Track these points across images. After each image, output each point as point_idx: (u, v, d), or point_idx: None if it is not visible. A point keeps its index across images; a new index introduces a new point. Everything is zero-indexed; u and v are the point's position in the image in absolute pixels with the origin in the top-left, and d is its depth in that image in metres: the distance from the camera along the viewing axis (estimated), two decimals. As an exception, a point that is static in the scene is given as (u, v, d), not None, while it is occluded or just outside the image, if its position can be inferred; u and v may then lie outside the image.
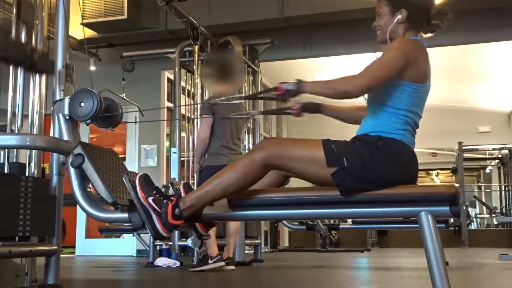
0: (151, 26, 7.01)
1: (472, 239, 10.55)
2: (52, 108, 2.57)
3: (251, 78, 6.33)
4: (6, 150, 2.78)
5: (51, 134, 2.56)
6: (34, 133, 2.89)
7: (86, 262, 6.15)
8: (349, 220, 6.98)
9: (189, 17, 5.61)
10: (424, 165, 14.34)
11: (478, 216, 14.90)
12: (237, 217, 2.33)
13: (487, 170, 15.54)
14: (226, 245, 4.54)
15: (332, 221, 7.74)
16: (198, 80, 5.80)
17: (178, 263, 5.03)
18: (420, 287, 3.20)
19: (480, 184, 16.51)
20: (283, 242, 11.39)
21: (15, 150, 2.82)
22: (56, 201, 2.64)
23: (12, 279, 2.74)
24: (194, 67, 5.79)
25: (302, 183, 2.24)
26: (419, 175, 2.08)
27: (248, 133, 6.05)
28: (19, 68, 2.89)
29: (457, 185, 2.05)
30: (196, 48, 5.75)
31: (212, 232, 4.25)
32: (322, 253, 8.37)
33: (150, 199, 2.05)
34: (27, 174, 2.79)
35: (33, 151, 2.84)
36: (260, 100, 5.84)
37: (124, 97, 6.63)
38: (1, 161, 2.82)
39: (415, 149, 2.08)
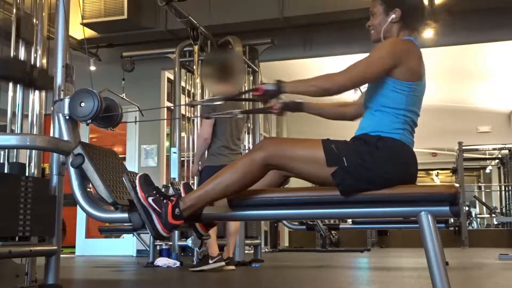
0: (151, 26, 7.01)
1: (472, 239, 10.55)
2: (52, 108, 2.57)
3: (251, 78, 6.33)
4: (6, 150, 2.78)
5: (51, 134, 2.56)
6: (34, 133, 2.89)
7: (86, 262, 6.15)
8: (349, 220, 6.98)
9: (189, 17, 5.61)
10: (424, 165, 14.35)
11: (478, 216, 14.90)
12: (237, 217, 2.33)
13: (487, 170, 15.54)
14: (226, 245, 4.54)
15: (332, 221, 7.74)
16: (198, 80, 5.80)
17: (178, 263, 5.03)
18: (420, 287, 3.20)
19: (480, 184, 16.52)
20: (283, 242, 11.39)
21: (15, 150, 2.82)
22: (56, 201, 2.64)
23: (12, 279, 2.74)
24: (194, 67, 5.79)
25: (302, 183, 2.24)
26: (419, 175, 2.08)
27: (248, 133, 6.06)
28: (18, 85, 2.90)
29: (457, 185, 2.05)
30: (196, 48, 5.75)
31: (213, 232, 4.25)
32: (322, 253, 8.37)
33: (150, 199, 2.05)
34: (27, 174, 2.79)
35: (33, 151, 2.84)
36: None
37: (124, 97, 6.63)
38: (1, 161, 2.82)
39: (415, 149, 2.09)
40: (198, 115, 5.55)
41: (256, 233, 5.77)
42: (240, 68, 5.08)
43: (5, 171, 2.76)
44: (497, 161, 14.04)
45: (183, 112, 6.29)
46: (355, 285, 3.52)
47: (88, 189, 2.32)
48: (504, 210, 13.23)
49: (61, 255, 2.70)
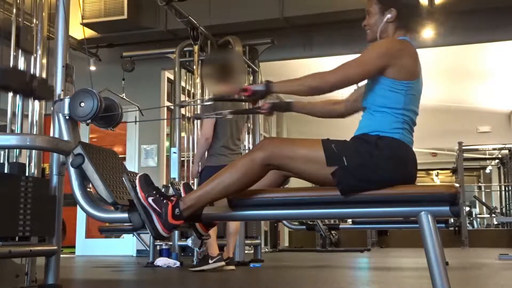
0: (151, 26, 7.01)
1: (472, 239, 10.55)
2: (52, 108, 2.57)
3: (251, 78, 6.33)
4: (6, 150, 2.78)
5: (51, 134, 2.56)
6: (34, 133, 2.89)
7: (86, 262, 6.15)
8: (349, 220, 6.97)
9: (189, 17, 5.61)
10: (424, 165, 14.36)
11: (478, 216, 14.90)
12: (237, 217, 2.34)
13: (487, 170, 15.54)
14: (226, 245, 4.55)
15: (332, 221, 7.73)
16: (198, 80, 5.80)
17: (178, 263, 5.03)
18: (420, 287, 3.20)
19: (480, 184, 16.52)
20: (283, 242, 11.39)
21: (15, 150, 2.82)
22: (56, 201, 2.64)
23: (12, 279, 2.74)
24: (194, 67, 5.79)
25: (302, 183, 2.24)
26: (419, 175, 2.09)
27: (248, 133, 6.05)
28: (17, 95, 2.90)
29: (457, 185, 2.05)
30: (196, 48, 5.75)
31: (213, 232, 4.25)
32: (322, 253, 8.37)
33: (150, 199, 2.05)
34: (27, 174, 2.79)
35: (33, 151, 2.84)
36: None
37: (124, 97, 6.62)
38: (1, 161, 2.82)
39: (415, 149, 2.09)
40: (189, 115, 5.57)
41: (256, 233, 5.77)
42: (241, 68, 5.09)
43: (5, 171, 2.76)
44: (497, 161, 14.03)
45: (183, 112, 6.29)
46: (355, 285, 3.52)
47: (88, 189, 2.32)
48: (504, 210, 13.23)
49: (61, 255, 2.70)
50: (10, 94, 2.90)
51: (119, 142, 8.47)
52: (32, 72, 2.94)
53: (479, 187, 16.32)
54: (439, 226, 1.92)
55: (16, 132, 2.88)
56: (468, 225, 13.08)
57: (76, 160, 2.28)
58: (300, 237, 11.45)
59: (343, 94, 2.23)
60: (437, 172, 15.96)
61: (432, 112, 10.12)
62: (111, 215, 2.26)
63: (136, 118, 6.50)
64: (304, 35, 7.06)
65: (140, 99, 6.65)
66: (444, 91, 10.37)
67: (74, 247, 7.82)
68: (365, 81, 2.12)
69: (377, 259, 6.80)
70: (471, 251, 8.89)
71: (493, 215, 12.45)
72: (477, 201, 14.05)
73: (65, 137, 2.44)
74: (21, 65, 2.96)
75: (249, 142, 6.04)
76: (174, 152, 5.49)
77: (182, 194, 2.09)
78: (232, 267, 4.41)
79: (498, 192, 14.48)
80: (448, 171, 14.20)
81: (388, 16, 2.12)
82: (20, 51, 2.95)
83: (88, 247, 7.73)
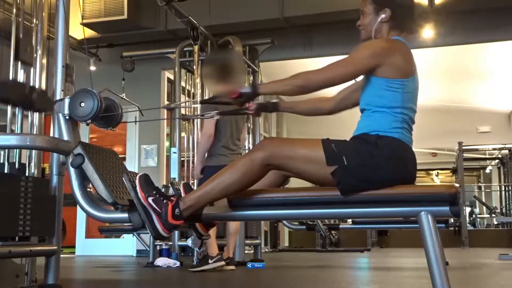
0: (151, 26, 7.01)
1: (472, 239, 10.55)
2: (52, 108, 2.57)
3: (251, 78, 6.33)
4: (6, 150, 2.78)
5: (51, 134, 2.56)
6: (34, 133, 2.89)
7: (86, 262, 6.15)
8: (349, 220, 6.97)
9: (189, 17, 5.61)
10: (424, 165, 14.36)
11: (478, 216, 14.90)
12: (237, 217, 2.34)
13: (487, 170, 15.55)
14: (226, 245, 4.55)
15: (332, 221, 7.73)
16: (198, 80, 5.80)
17: (178, 263, 5.03)
18: (420, 287, 3.20)
19: (480, 184, 16.52)
20: (283, 242, 11.39)
21: (15, 150, 2.82)
22: (56, 201, 2.64)
23: (12, 279, 2.74)
24: (194, 67, 5.79)
25: (302, 183, 2.24)
26: (419, 175, 2.09)
27: (248, 133, 6.05)
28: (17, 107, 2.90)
29: (457, 185, 2.04)
30: (196, 48, 5.75)
31: (212, 232, 4.25)
32: (322, 253, 8.37)
33: (150, 199, 2.05)
34: (27, 174, 2.79)
35: (33, 151, 2.84)
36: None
37: (124, 97, 6.62)
38: (1, 161, 2.82)
39: (415, 149, 2.09)
40: (177, 116, 5.57)
41: (256, 233, 5.77)
42: (241, 68, 5.08)
43: (5, 171, 2.76)
44: (497, 161, 14.04)
45: (183, 112, 6.29)
46: (355, 285, 3.52)
47: (88, 189, 2.32)
48: (504, 210, 13.23)
49: (61, 255, 2.70)
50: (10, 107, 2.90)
51: (119, 142, 8.47)
52: (31, 84, 2.94)
53: (479, 187, 16.33)
54: (439, 226, 1.92)
55: (16, 132, 2.88)
56: (470, 225, 13.09)
57: (76, 160, 2.28)
58: (300, 237, 11.45)
59: (331, 92, 2.24)
60: (437, 172, 15.96)
61: (432, 112, 10.12)
62: (111, 215, 2.26)
63: (136, 118, 6.49)
64: (304, 35, 7.06)
65: (140, 99, 6.64)
66: (444, 91, 10.38)
67: (74, 247, 7.82)
68: (362, 81, 2.12)
69: (377, 259, 6.80)
70: (471, 251, 8.89)
71: (493, 215, 12.45)
72: (477, 201, 14.05)
73: (65, 137, 2.44)
74: (21, 77, 2.96)
75: (249, 142, 6.04)
76: (174, 152, 5.49)
77: (182, 194, 2.09)
78: (232, 267, 4.41)
79: (498, 192, 14.48)
80: (448, 171, 14.20)
81: (383, 16, 2.12)
82: (19, 63, 2.94)
83: (88, 247, 7.73)
